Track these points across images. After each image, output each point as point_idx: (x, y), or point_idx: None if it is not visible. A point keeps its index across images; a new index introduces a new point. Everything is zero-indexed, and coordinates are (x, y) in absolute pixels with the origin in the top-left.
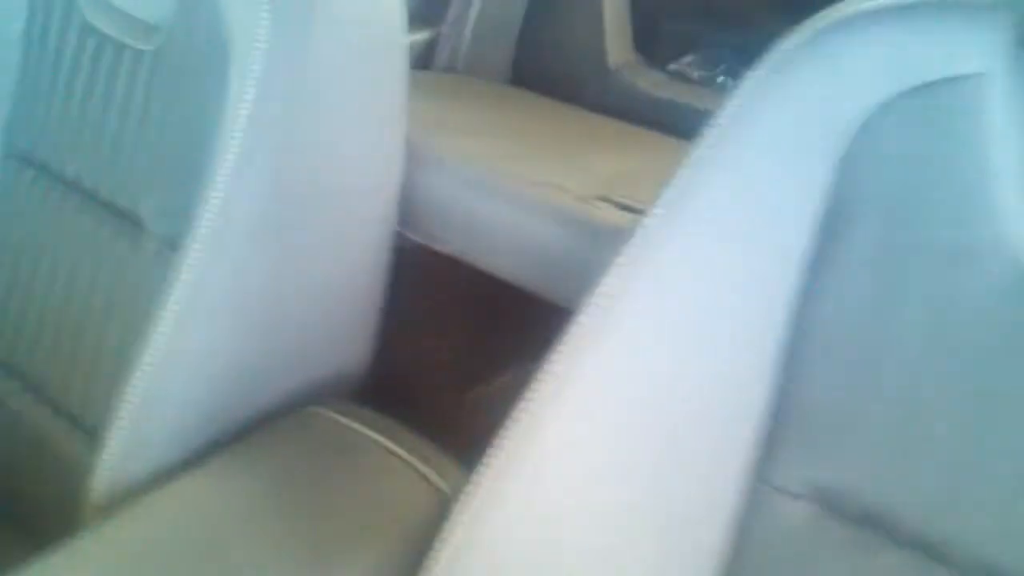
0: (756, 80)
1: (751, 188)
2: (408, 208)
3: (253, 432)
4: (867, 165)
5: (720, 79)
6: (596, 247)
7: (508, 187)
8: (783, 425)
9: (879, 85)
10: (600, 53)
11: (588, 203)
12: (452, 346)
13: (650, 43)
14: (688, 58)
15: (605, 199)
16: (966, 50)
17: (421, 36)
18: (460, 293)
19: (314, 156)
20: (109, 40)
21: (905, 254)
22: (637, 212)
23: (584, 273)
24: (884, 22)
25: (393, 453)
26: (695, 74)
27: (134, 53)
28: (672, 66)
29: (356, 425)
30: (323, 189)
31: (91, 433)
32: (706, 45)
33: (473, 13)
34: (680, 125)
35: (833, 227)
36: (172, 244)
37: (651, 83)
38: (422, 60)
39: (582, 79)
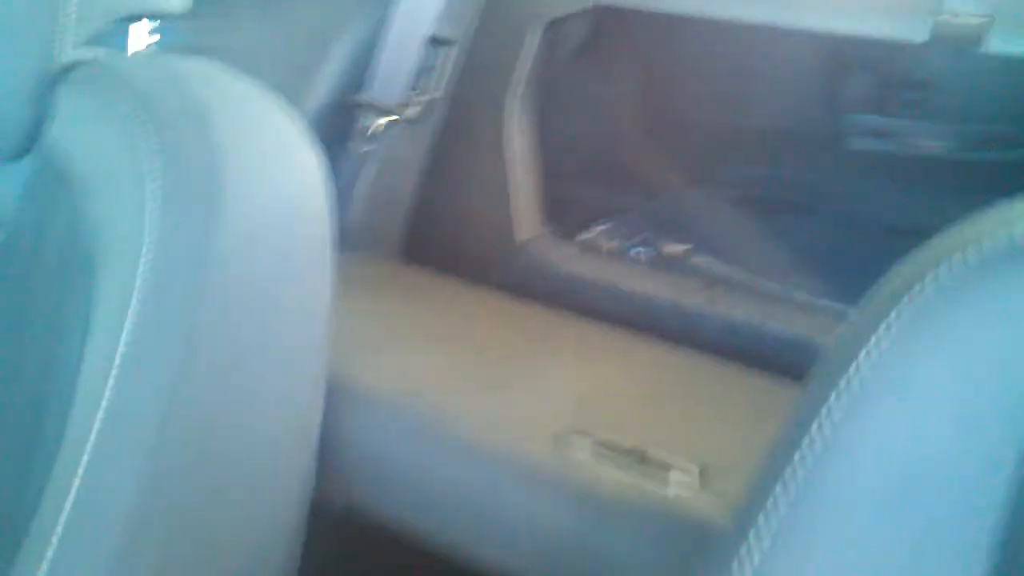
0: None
1: None
2: (333, 467)
3: None
4: None
5: (634, 251)
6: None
7: (463, 434)
8: None
9: None
10: (507, 226)
11: (565, 446)
12: None
13: (561, 212)
14: (600, 227)
15: (582, 432)
16: None
17: None
18: None
19: (220, 400)
20: None
21: None
22: (619, 452)
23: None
24: None
25: None
26: (606, 245)
27: None
28: (583, 236)
29: None
30: (230, 447)
31: None
32: (619, 212)
33: (363, 184)
34: (593, 303)
35: None
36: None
37: (562, 257)
38: None
39: (487, 255)
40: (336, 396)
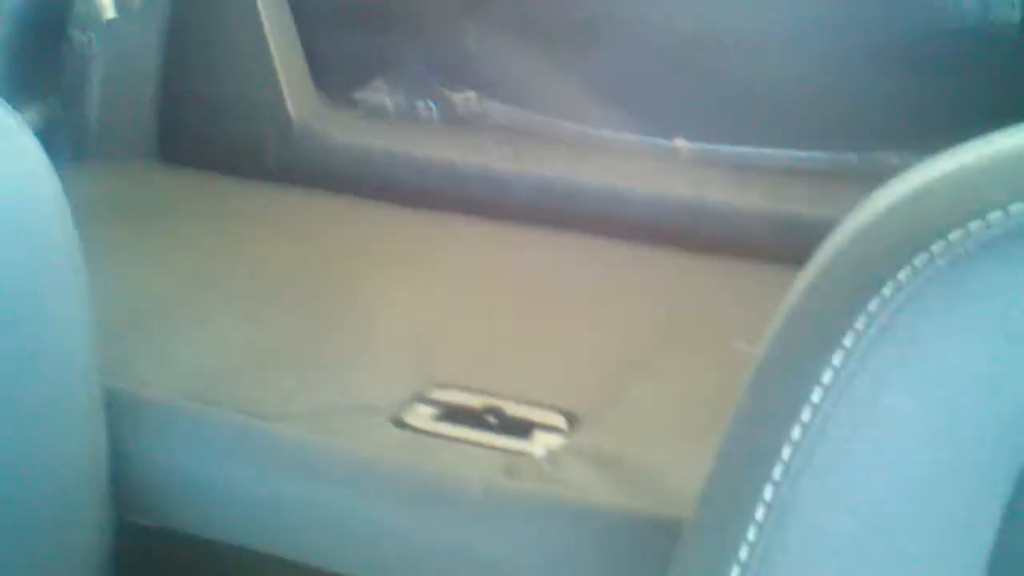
0: None
1: None
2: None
3: None
4: None
5: (419, 104)
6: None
7: (280, 439)
8: None
9: None
10: (276, 102)
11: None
12: None
13: (328, 71)
14: (377, 81)
15: (421, 397)
16: None
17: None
18: None
19: None
20: None
21: None
22: (469, 416)
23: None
24: None
25: None
26: (388, 101)
27: None
28: (359, 95)
29: None
30: None
31: None
32: (396, 63)
33: (94, 88)
34: (385, 175)
35: None
36: None
37: (345, 127)
38: None
39: (259, 139)
40: (122, 408)
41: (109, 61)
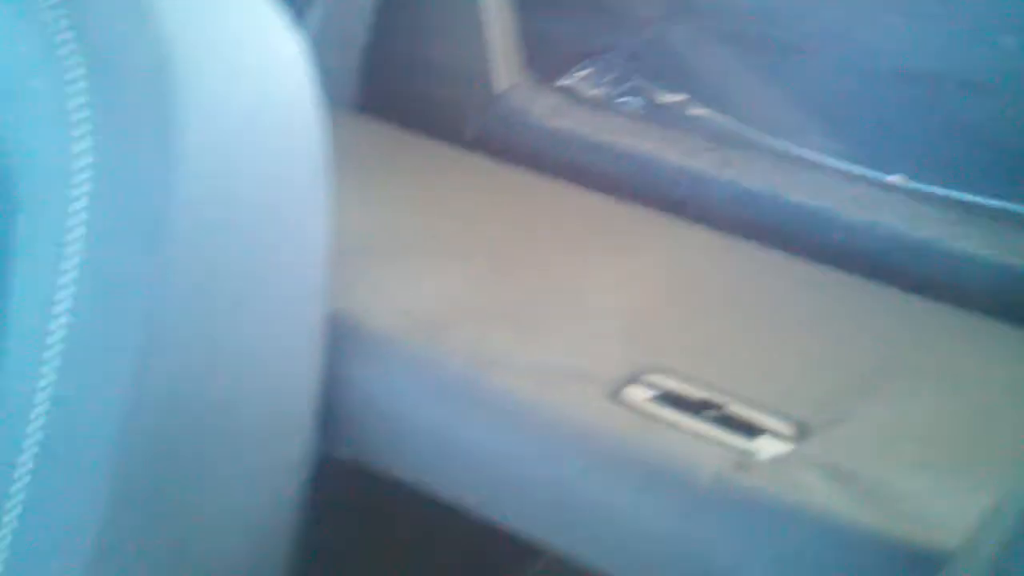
0: None
1: None
2: (340, 415)
3: None
4: None
5: (623, 99)
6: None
7: (492, 388)
8: None
9: None
10: (482, 75)
11: (619, 399)
12: None
13: (539, 54)
14: (582, 71)
15: (637, 379)
16: None
17: None
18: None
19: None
20: None
21: None
22: (689, 407)
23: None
24: None
25: None
26: (590, 92)
27: None
28: (563, 81)
29: None
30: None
31: None
32: (597, 53)
33: (310, 29)
34: (582, 162)
35: None
36: None
37: (547, 109)
38: None
39: (459, 108)
40: (340, 335)
41: (324, 11)
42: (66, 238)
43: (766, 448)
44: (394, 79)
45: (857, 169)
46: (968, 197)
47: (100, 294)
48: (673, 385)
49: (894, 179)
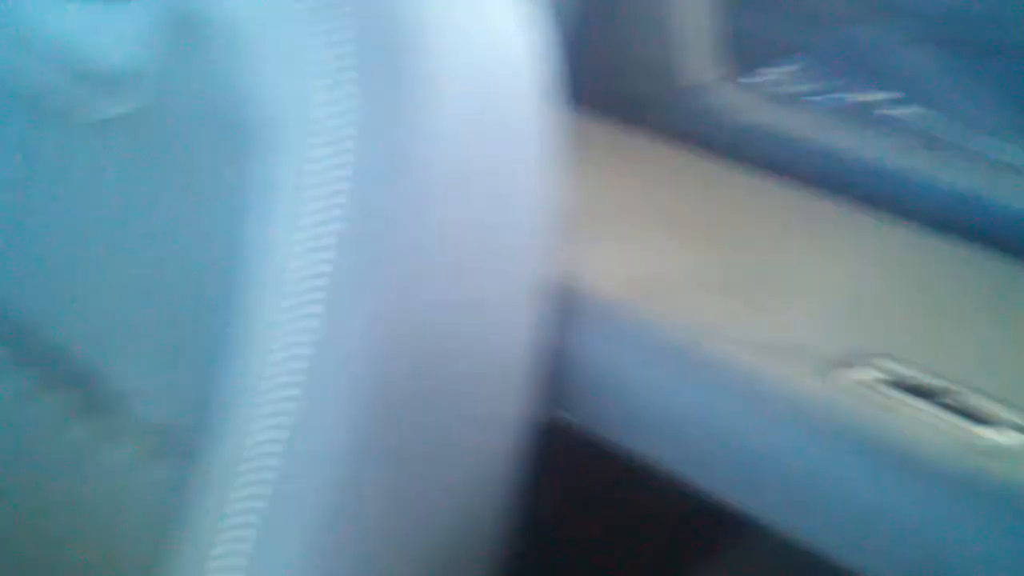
0: None
1: None
2: (555, 378)
3: None
4: None
5: (817, 97)
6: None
7: (715, 356)
8: None
9: None
10: (667, 67)
11: (847, 378)
12: None
13: (736, 49)
14: (778, 69)
15: (862, 360)
16: None
17: None
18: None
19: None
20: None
21: None
22: (916, 392)
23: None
24: None
25: None
26: (783, 89)
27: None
28: (754, 79)
29: None
30: (449, 354)
31: None
32: (794, 51)
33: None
34: (777, 159)
35: None
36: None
37: (736, 105)
38: None
39: (642, 98)
40: (564, 301)
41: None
42: (334, 184)
43: (1008, 438)
44: (586, 66)
45: None
46: None
47: (365, 236)
48: (902, 370)
49: None
